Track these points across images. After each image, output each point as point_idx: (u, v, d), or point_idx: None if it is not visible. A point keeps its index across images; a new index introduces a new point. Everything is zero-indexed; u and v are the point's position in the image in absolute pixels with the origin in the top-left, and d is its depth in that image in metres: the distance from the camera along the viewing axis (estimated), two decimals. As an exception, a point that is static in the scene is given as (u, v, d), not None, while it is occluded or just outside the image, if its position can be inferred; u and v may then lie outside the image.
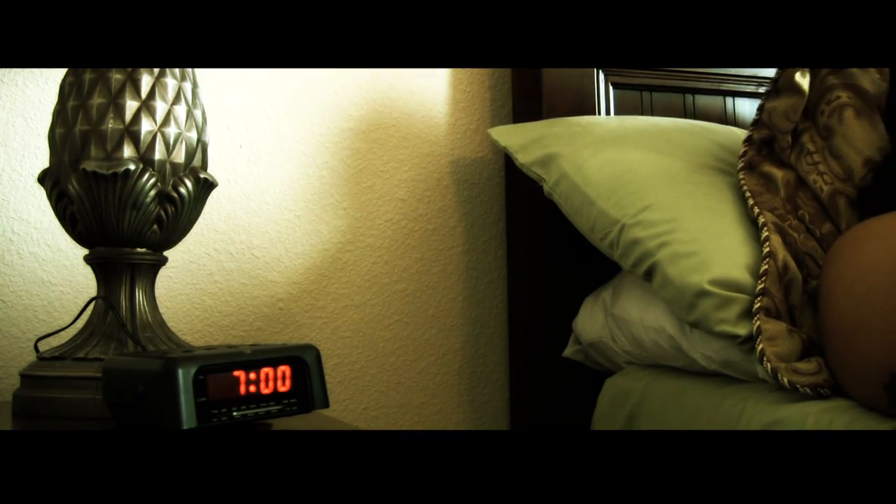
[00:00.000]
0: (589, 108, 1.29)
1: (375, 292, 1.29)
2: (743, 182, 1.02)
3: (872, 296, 0.77)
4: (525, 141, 1.18)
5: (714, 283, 0.90)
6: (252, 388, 0.77)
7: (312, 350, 0.82)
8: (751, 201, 0.98)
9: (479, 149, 1.37)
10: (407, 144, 1.33)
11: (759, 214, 0.96)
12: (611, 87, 1.31)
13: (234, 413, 0.75)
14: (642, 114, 1.32)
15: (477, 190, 1.36)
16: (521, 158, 1.17)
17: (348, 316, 1.28)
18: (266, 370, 0.79)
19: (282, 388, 0.79)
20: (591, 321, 1.16)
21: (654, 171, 1.06)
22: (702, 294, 0.90)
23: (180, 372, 0.72)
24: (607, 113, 1.31)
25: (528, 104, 1.31)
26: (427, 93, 1.34)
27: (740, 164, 1.05)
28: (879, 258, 0.78)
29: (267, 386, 0.78)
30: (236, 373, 0.76)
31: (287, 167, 1.26)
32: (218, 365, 0.75)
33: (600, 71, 1.30)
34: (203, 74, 1.19)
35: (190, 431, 0.71)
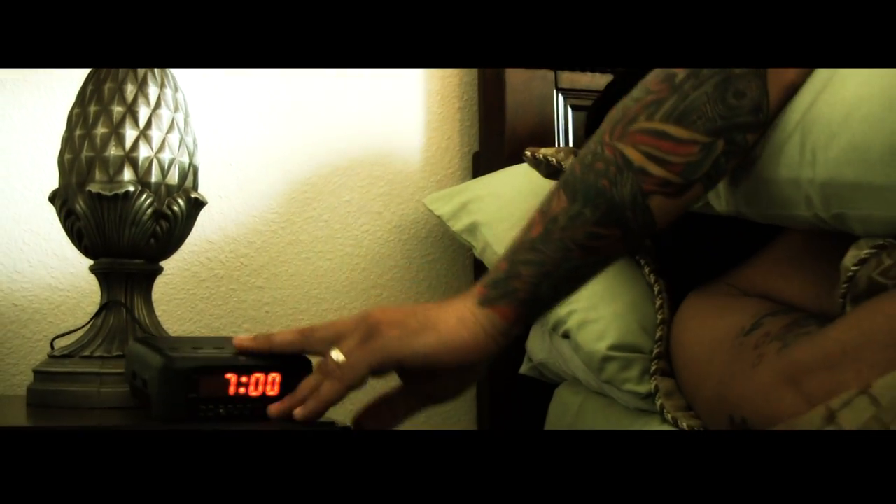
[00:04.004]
0: (549, 128, 1.41)
1: (353, 297, 1.42)
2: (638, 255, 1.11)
3: (692, 366, 0.90)
4: (454, 208, 1.28)
5: (614, 348, 1.01)
6: (242, 390, 0.87)
7: (304, 361, 0.87)
8: (647, 269, 1.06)
9: (449, 166, 1.49)
10: (383, 162, 1.45)
11: (654, 282, 1.05)
12: (569, 109, 1.44)
13: (220, 410, 0.86)
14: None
15: (447, 203, 1.48)
16: (453, 226, 1.27)
17: (327, 318, 1.40)
18: (258, 375, 0.89)
19: (270, 393, 0.89)
20: (539, 343, 1.25)
21: None
22: (606, 359, 1.01)
23: (172, 373, 0.83)
24: (566, 132, 1.43)
25: (492, 126, 1.43)
26: (401, 114, 1.47)
27: None
28: (695, 335, 0.91)
29: (256, 389, 0.89)
30: (228, 375, 0.87)
31: (272, 183, 1.39)
32: (209, 368, 0.85)
33: (560, 94, 1.43)
34: (196, 98, 1.31)
35: (178, 422, 0.83)
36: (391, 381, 1.36)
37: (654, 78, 0.76)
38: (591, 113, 1.14)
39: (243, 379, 0.85)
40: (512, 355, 1.34)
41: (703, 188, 0.75)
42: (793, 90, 0.77)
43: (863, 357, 0.67)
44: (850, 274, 0.73)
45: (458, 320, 0.74)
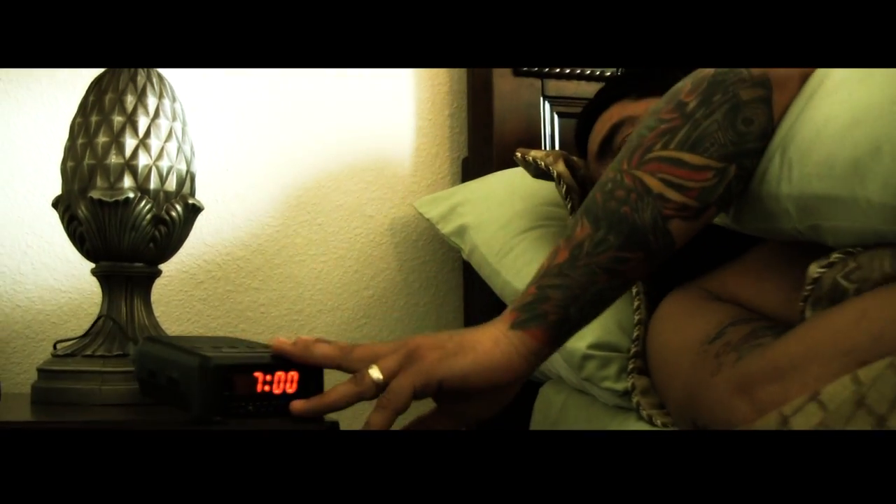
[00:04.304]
0: (535, 135, 1.46)
1: (346, 298, 1.46)
2: None
3: (663, 367, 0.94)
4: (443, 211, 1.33)
5: (593, 346, 1.05)
6: (266, 388, 0.92)
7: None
8: None
9: (439, 171, 1.54)
10: (375, 167, 1.50)
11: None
12: (556, 116, 1.48)
13: (249, 407, 0.91)
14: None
15: (438, 207, 1.53)
16: (442, 229, 1.33)
17: (322, 319, 1.45)
18: (280, 374, 0.94)
19: (289, 390, 0.94)
20: None
21: (541, 242, 1.21)
22: (586, 357, 1.05)
23: (213, 370, 0.87)
24: (552, 138, 1.48)
25: (481, 132, 1.48)
26: (393, 121, 1.51)
27: None
28: (666, 338, 0.95)
29: (278, 387, 0.94)
30: (256, 374, 0.92)
31: (267, 188, 1.43)
32: (243, 366, 0.90)
33: (546, 101, 1.47)
34: (195, 106, 1.36)
35: (216, 420, 0.87)
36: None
37: (665, 106, 0.80)
38: (581, 119, 1.19)
39: (268, 377, 0.91)
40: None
41: (717, 210, 0.80)
42: None
43: (808, 369, 0.71)
44: (816, 276, 0.77)
45: (492, 343, 0.77)
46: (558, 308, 0.77)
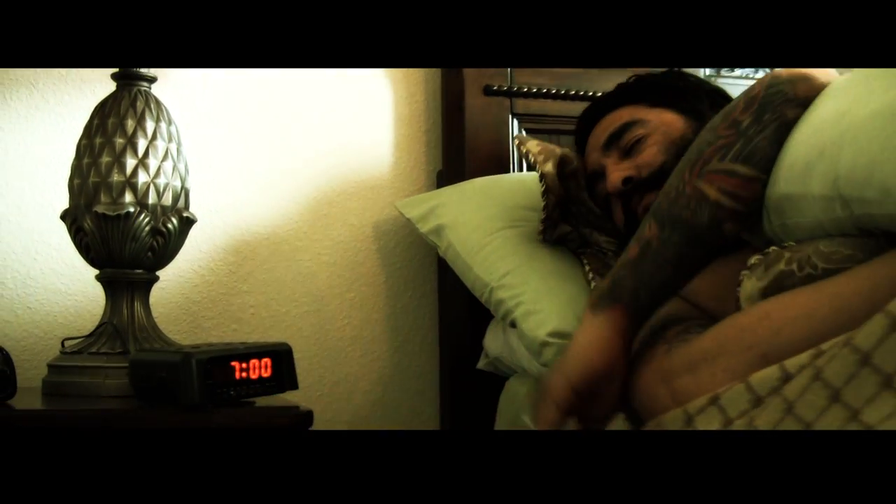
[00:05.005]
0: (504, 149, 1.57)
1: (330, 300, 1.59)
2: (583, 257, 1.28)
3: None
4: (423, 212, 1.44)
5: (552, 335, 1.16)
6: (244, 374, 1.06)
7: (286, 347, 1.11)
8: (587, 268, 1.24)
9: (416, 182, 1.66)
10: (357, 179, 1.62)
11: (591, 279, 1.22)
12: (523, 132, 1.60)
13: (231, 392, 1.04)
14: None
15: (415, 215, 1.65)
16: (421, 228, 1.43)
17: (308, 319, 1.57)
18: (254, 361, 1.08)
19: (264, 374, 1.08)
20: (494, 340, 1.41)
21: (512, 240, 1.31)
22: (544, 344, 1.17)
23: (194, 362, 1.01)
24: (520, 153, 1.59)
25: (454, 147, 1.59)
26: (374, 137, 1.63)
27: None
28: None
29: (254, 373, 1.08)
30: (233, 363, 1.05)
31: (257, 199, 1.55)
32: (220, 357, 1.04)
33: (514, 118, 1.59)
34: (191, 122, 1.48)
35: (201, 404, 1.00)
36: (344, 371, 1.50)
37: (721, 123, 0.91)
38: (588, 113, 1.30)
39: (244, 365, 1.06)
40: (472, 353, 1.50)
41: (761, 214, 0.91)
42: None
43: (717, 362, 0.82)
44: (741, 278, 0.88)
45: (583, 333, 0.91)
46: (630, 292, 0.89)
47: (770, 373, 0.74)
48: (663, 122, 1.19)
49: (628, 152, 1.19)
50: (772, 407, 0.72)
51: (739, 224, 0.88)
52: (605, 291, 0.91)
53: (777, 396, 0.73)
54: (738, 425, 0.75)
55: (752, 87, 0.92)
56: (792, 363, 0.73)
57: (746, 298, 0.87)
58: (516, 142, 1.33)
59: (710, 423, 0.77)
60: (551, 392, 0.89)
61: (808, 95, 0.89)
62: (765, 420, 0.72)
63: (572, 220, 1.30)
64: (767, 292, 0.85)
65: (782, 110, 0.88)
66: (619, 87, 1.29)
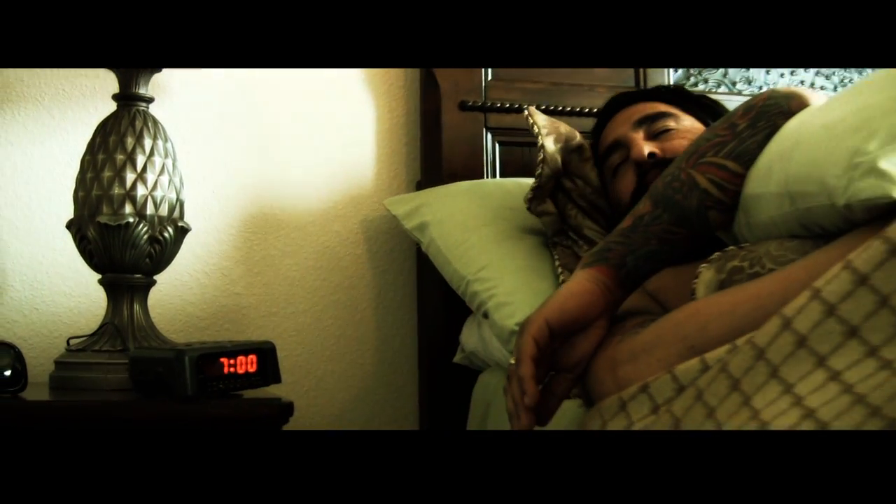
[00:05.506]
0: (479, 161, 1.66)
1: (316, 301, 1.70)
2: (554, 251, 1.37)
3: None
4: (408, 209, 1.53)
5: (521, 323, 1.20)
6: (232, 369, 1.18)
7: (270, 345, 1.23)
8: (556, 262, 1.33)
9: (397, 192, 1.76)
10: (341, 189, 1.73)
11: (560, 273, 1.31)
12: (497, 145, 1.70)
13: (220, 385, 1.16)
14: (522, 165, 1.71)
15: (395, 223, 1.73)
16: (406, 224, 1.52)
17: (295, 319, 1.68)
18: (241, 357, 1.19)
19: (250, 370, 1.20)
20: (470, 335, 1.50)
21: (490, 237, 1.41)
22: (514, 333, 1.25)
23: (187, 359, 1.12)
24: (493, 164, 1.68)
25: (432, 159, 1.70)
26: (357, 149, 1.74)
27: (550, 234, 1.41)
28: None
29: (241, 368, 1.19)
30: (222, 359, 1.17)
31: (248, 208, 1.67)
32: (210, 354, 1.15)
33: (488, 132, 1.69)
34: (185, 139, 1.59)
35: (193, 396, 1.12)
36: (329, 368, 1.60)
37: (721, 124, 0.99)
38: (620, 98, 1.38)
39: (232, 361, 1.17)
40: (449, 348, 1.61)
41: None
42: None
43: (654, 353, 0.90)
44: (699, 270, 0.96)
45: (572, 282, 0.98)
46: (618, 256, 0.98)
47: (693, 364, 0.82)
48: (692, 127, 1.29)
49: (656, 136, 1.28)
50: (687, 395, 0.81)
51: (722, 215, 0.97)
52: (596, 253, 0.98)
53: (693, 386, 0.81)
54: (663, 412, 0.84)
55: (754, 98, 1.03)
56: (711, 356, 0.81)
57: (703, 285, 0.95)
58: (525, 114, 1.40)
59: (640, 408, 0.85)
60: (530, 327, 0.94)
61: (798, 110, 0.98)
62: (679, 406, 0.81)
63: (561, 199, 1.38)
64: (724, 285, 0.93)
65: (775, 120, 0.98)
66: (659, 86, 1.41)
